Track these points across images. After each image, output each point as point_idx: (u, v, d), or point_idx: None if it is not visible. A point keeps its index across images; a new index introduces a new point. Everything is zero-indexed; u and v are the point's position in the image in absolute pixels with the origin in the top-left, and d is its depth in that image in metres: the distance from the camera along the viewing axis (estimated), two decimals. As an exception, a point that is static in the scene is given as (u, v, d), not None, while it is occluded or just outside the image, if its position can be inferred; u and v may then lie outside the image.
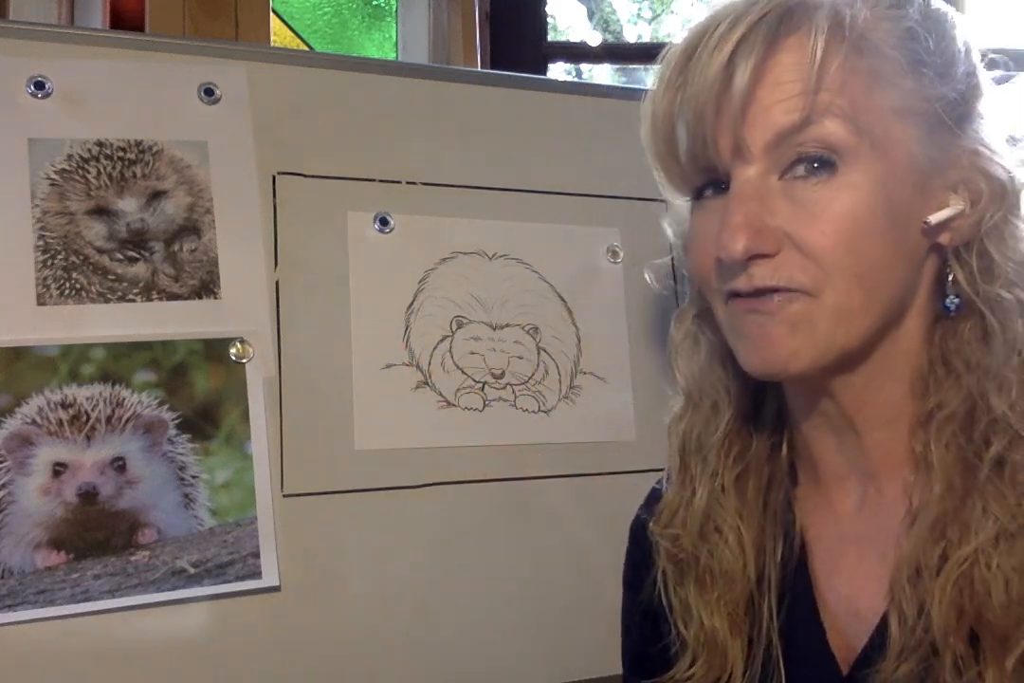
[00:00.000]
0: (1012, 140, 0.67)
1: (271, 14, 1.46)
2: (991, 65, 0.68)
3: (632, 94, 0.88)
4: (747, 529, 0.74)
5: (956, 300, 0.65)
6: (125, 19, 1.35)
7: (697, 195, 0.68)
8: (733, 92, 0.61)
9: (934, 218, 0.64)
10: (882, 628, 0.65)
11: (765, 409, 0.77)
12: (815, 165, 0.62)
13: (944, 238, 0.66)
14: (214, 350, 0.97)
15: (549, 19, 1.69)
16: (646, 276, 0.87)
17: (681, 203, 0.73)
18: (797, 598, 0.72)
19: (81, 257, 0.94)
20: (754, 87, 0.61)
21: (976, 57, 0.67)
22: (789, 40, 0.61)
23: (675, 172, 0.68)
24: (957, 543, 0.62)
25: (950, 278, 0.66)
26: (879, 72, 0.62)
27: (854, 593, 0.70)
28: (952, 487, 0.63)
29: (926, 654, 0.62)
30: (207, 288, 0.98)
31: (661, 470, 0.82)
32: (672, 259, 0.87)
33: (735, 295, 0.65)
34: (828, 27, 0.61)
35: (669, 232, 0.79)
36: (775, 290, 0.63)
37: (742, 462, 0.75)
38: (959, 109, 0.64)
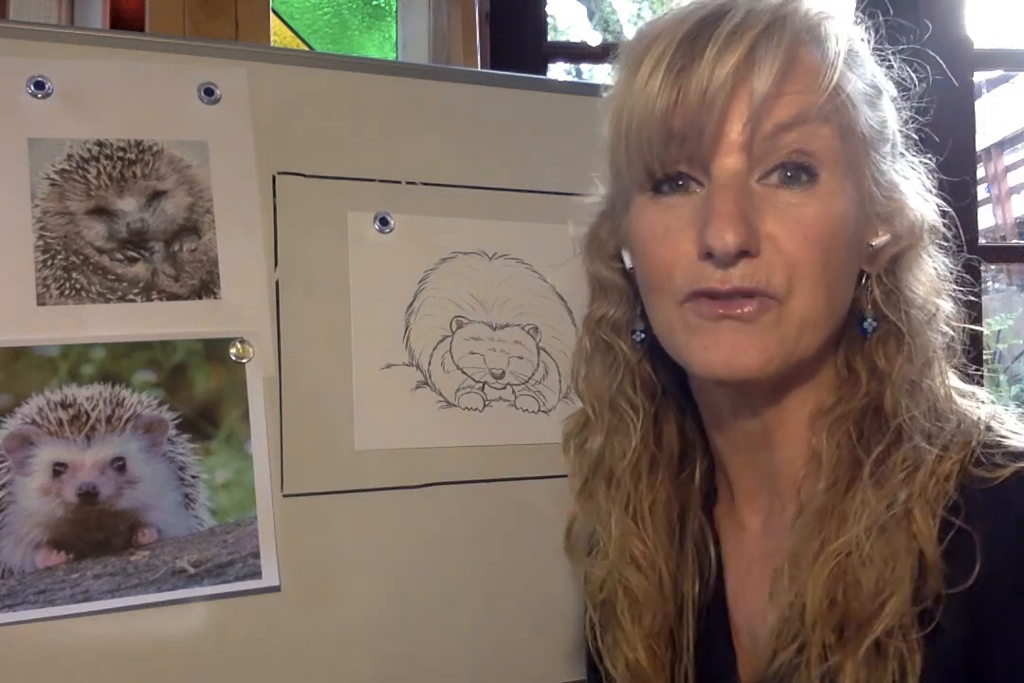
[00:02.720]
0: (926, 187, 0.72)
1: (271, 14, 1.46)
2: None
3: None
4: (664, 560, 0.74)
5: (874, 323, 0.68)
6: (125, 19, 1.35)
7: (656, 188, 0.66)
8: (753, 84, 0.61)
9: (877, 242, 0.68)
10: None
11: (665, 432, 0.76)
12: (795, 173, 0.63)
13: (869, 264, 0.69)
14: (214, 350, 0.97)
15: (549, 19, 1.69)
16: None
17: (594, 200, 0.74)
18: (713, 623, 0.73)
19: (81, 257, 0.94)
20: (778, 82, 0.61)
21: None
22: (806, 48, 0.63)
23: (654, 155, 0.64)
24: (834, 535, 0.63)
25: (869, 302, 0.69)
26: (860, 97, 0.65)
27: (752, 613, 0.70)
28: (836, 482, 0.65)
29: (799, 648, 0.63)
30: (207, 288, 0.98)
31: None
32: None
33: (702, 296, 0.64)
34: (846, 51, 0.64)
35: (573, 231, 0.77)
36: (749, 294, 0.63)
37: (652, 490, 0.75)
38: (895, 149, 0.69)
